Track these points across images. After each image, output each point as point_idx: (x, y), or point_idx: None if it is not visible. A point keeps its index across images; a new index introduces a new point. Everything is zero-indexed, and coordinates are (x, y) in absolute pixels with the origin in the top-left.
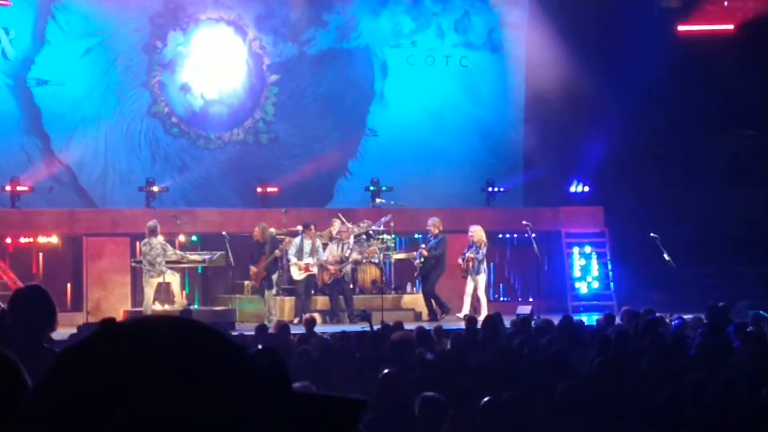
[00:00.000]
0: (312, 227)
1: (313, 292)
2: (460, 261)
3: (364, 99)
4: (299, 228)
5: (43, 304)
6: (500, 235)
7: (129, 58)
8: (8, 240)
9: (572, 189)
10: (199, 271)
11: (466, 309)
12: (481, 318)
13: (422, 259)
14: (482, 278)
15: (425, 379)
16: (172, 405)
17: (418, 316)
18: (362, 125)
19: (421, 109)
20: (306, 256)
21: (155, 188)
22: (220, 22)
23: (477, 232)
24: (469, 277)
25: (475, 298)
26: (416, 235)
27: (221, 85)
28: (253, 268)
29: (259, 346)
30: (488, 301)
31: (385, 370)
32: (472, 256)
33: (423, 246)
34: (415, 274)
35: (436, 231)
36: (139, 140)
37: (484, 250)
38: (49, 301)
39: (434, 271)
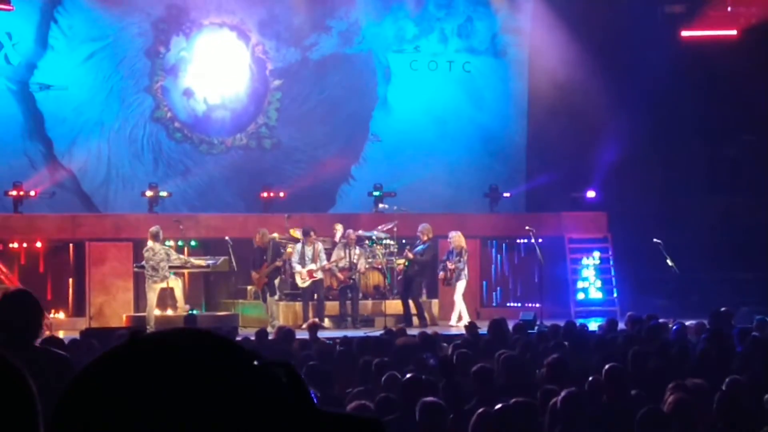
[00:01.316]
0: (311, 233)
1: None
2: (440, 272)
3: (367, 104)
4: (297, 234)
5: (27, 310)
6: (503, 241)
7: (132, 63)
8: (11, 244)
9: (588, 195)
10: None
11: (465, 317)
12: (457, 323)
13: (406, 262)
14: (462, 284)
15: (428, 384)
16: (197, 421)
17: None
18: (365, 130)
19: (424, 114)
20: (308, 262)
21: (159, 193)
22: (223, 27)
23: (456, 238)
24: (452, 285)
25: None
26: (418, 240)
27: (224, 90)
28: (254, 274)
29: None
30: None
31: (408, 375)
32: (453, 267)
33: (408, 248)
34: (398, 278)
35: (425, 238)
36: (142, 145)
37: (465, 257)
38: (34, 306)
39: (418, 277)
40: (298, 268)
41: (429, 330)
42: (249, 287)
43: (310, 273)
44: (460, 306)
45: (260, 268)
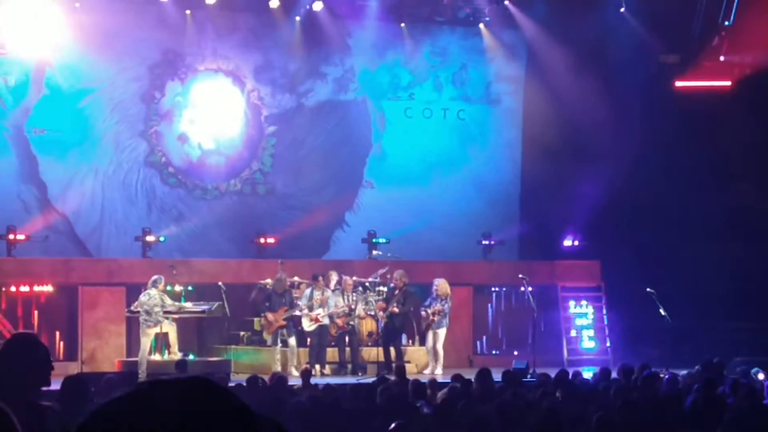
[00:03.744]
0: (321, 278)
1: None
2: (423, 313)
3: (361, 151)
4: (296, 279)
5: (36, 357)
6: (496, 289)
7: (127, 107)
8: (3, 288)
9: (566, 243)
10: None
11: (438, 366)
12: (437, 372)
13: (388, 314)
14: (443, 332)
15: None
16: None
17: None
18: (360, 177)
19: (418, 161)
20: (316, 306)
21: (160, 238)
22: (219, 73)
23: (442, 285)
24: (431, 331)
25: (434, 351)
26: (410, 288)
27: (219, 135)
28: (270, 316)
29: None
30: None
31: (393, 424)
32: (439, 308)
33: (394, 304)
34: (380, 327)
35: (401, 284)
36: (136, 190)
37: (449, 304)
38: (44, 353)
39: (402, 327)
40: (306, 311)
41: (422, 378)
42: (242, 333)
43: (317, 318)
44: (441, 354)
45: (277, 311)
